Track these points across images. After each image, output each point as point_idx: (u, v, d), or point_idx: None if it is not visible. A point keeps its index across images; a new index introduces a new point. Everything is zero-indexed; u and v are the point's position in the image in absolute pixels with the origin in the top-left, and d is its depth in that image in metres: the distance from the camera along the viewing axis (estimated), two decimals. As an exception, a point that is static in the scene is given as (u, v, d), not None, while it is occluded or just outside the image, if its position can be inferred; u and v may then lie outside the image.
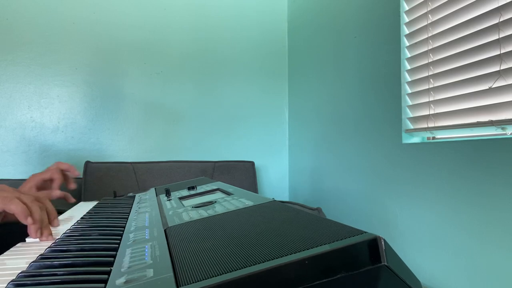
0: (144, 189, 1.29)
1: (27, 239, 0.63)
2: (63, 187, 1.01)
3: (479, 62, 1.00)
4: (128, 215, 0.77)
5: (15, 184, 1.68)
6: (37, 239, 0.63)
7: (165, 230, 0.56)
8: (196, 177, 1.79)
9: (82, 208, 0.95)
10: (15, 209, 0.61)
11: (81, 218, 0.77)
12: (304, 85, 1.99)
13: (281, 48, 2.17)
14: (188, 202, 0.77)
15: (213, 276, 0.33)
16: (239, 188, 0.84)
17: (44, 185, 1.01)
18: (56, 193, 0.96)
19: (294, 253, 0.34)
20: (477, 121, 1.00)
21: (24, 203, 0.63)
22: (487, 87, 0.97)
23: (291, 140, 2.13)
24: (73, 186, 1.03)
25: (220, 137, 2.07)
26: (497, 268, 0.92)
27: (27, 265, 0.46)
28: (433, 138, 1.21)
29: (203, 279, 0.32)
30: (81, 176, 1.76)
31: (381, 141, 1.35)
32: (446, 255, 1.06)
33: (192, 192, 0.91)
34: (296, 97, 2.08)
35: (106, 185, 1.73)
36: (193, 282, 0.32)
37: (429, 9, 1.17)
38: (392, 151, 1.29)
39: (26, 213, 0.62)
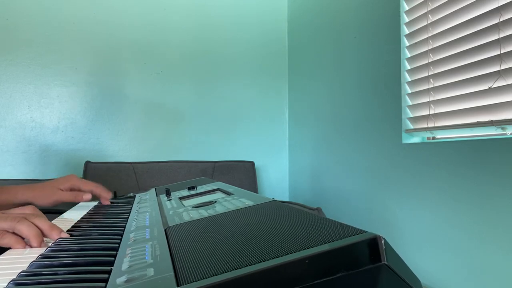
0: (144, 189, 1.29)
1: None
2: None
3: (479, 62, 1.00)
4: (129, 215, 0.77)
5: (15, 184, 1.68)
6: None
7: (165, 230, 0.56)
8: (196, 177, 1.79)
9: (82, 208, 0.95)
10: (9, 243, 0.59)
11: (81, 218, 0.77)
12: (304, 85, 1.99)
13: (281, 48, 2.17)
14: (188, 202, 0.77)
15: (213, 275, 0.33)
16: (239, 188, 0.84)
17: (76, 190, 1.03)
18: (88, 197, 0.97)
19: (294, 252, 0.34)
20: (477, 121, 1.00)
21: (15, 229, 0.60)
22: (487, 87, 0.97)
23: (291, 140, 2.13)
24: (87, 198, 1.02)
25: (220, 137, 2.07)
26: (497, 268, 0.92)
27: (28, 265, 0.46)
28: (433, 138, 1.21)
29: (203, 278, 0.33)
30: (82, 177, 1.76)
31: (381, 141, 1.35)
32: (446, 254, 1.07)
33: (192, 192, 0.91)
34: (296, 97, 2.08)
35: (106, 185, 1.71)
36: (193, 281, 0.33)
37: (429, 9, 1.18)
38: (392, 151, 1.29)
39: (20, 244, 0.59)
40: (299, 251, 0.34)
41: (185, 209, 0.69)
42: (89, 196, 0.97)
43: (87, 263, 0.45)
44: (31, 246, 0.58)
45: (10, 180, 1.74)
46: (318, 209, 1.41)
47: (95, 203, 1.04)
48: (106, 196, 1.02)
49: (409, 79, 1.26)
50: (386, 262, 0.34)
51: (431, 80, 1.17)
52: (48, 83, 1.84)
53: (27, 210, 0.69)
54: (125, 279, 0.38)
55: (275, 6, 2.17)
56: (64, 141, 1.86)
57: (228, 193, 0.79)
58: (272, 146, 2.14)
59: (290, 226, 0.44)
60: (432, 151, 1.12)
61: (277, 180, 2.15)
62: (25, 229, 0.59)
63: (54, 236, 0.61)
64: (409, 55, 1.26)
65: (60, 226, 0.70)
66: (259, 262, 0.34)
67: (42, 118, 1.84)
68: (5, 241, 0.58)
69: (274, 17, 2.17)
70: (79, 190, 1.02)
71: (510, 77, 0.92)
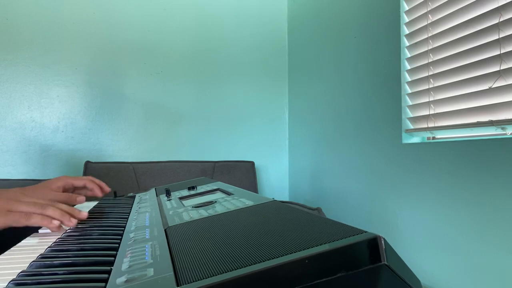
0: (144, 189, 1.29)
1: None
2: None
3: (479, 62, 1.00)
4: (129, 215, 0.77)
5: (15, 184, 1.69)
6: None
7: (165, 230, 0.56)
8: (196, 177, 1.79)
9: (82, 208, 0.95)
10: (37, 222, 0.65)
11: (81, 218, 0.77)
12: (304, 85, 1.99)
13: (281, 48, 2.17)
14: (188, 202, 0.77)
15: (213, 275, 0.33)
16: (239, 188, 0.84)
17: (70, 190, 1.02)
18: (82, 199, 0.94)
19: (294, 252, 0.34)
20: (477, 121, 1.00)
21: (42, 214, 0.66)
22: (487, 87, 0.97)
23: (291, 140, 2.13)
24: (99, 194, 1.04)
25: (220, 137, 2.07)
26: (496, 268, 0.92)
27: (28, 265, 0.46)
28: (433, 138, 1.21)
29: (203, 278, 0.33)
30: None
31: (381, 141, 1.35)
32: (446, 254, 1.07)
33: (192, 192, 0.91)
34: (296, 97, 2.08)
35: (106, 185, 1.73)
36: (193, 281, 0.32)
37: (429, 9, 1.18)
38: (392, 151, 1.29)
39: (47, 220, 0.65)
40: (299, 251, 0.34)
41: (185, 209, 0.69)
42: (82, 198, 0.94)
43: (87, 263, 0.45)
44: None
45: (10, 180, 1.74)
46: (318, 209, 1.41)
47: (95, 203, 1.04)
48: (101, 189, 1.02)
49: (409, 79, 1.26)
50: (386, 262, 0.34)
51: (431, 80, 1.17)
52: (48, 83, 1.84)
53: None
54: (125, 279, 0.38)
55: (275, 6, 2.17)
56: (64, 141, 1.86)
57: (228, 193, 0.79)
58: (272, 146, 2.14)
59: (290, 226, 0.44)
60: (432, 151, 1.12)
61: (277, 180, 2.15)
62: (51, 212, 0.66)
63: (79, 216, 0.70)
64: (409, 55, 1.26)
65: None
66: (259, 262, 0.34)
67: (42, 118, 1.84)
68: (33, 220, 0.65)
69: (274, 17, 2.17)
70: (73, 187, 1.01)
71: (510, 77, 0.92)
